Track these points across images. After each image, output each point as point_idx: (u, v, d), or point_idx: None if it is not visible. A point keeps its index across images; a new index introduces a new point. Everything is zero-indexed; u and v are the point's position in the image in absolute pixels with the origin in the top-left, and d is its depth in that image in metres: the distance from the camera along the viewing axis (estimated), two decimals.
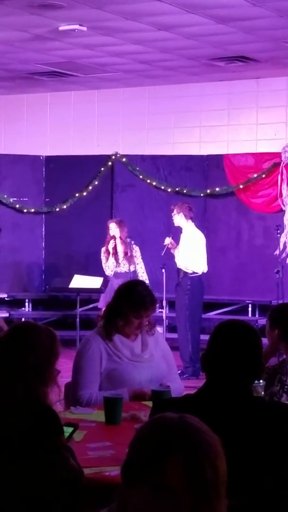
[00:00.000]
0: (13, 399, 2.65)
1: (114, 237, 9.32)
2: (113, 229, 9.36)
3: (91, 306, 10.58)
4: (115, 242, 9.29)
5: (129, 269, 9.26)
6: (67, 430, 2.88)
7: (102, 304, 9.20)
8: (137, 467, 1.45)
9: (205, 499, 1.42)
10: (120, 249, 9.31)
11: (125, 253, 9.30)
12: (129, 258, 9.28)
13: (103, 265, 9.37)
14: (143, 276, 9.20)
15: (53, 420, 2.67)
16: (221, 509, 1.45)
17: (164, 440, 1.45)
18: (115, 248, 9.28)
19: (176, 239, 8.86)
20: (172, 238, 8.85)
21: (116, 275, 9.23)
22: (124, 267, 9.29)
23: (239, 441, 2.24)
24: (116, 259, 9.29)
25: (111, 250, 9.28)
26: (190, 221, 8.83)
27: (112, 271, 9.29)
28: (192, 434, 1.46)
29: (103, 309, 8.90)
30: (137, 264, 9.32)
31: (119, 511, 1.50)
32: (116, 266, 9.30)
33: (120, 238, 9.33)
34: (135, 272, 9.28)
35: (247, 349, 2.43)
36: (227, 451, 1.48)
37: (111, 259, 9.27)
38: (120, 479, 1.50)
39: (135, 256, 9.31)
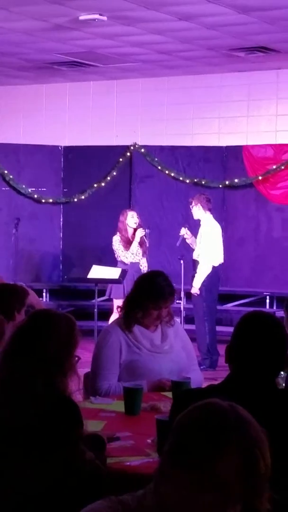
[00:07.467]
0: (32, 390, 2.63)
1: (138, 227, 9.20)
2: (135, 218, 9.25)
3: (106, 297, 10.57)
4: (144, 231, 9.18)
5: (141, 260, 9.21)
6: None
7: (113, 294, 9.11)
8: (184, 452, 1.38)
9: (255, 492, 1.38)
10: (137, 239, 9.24)
11: (140, 244, 9.22)
12: (144, 248, 9.22)
13: (122, 254, 9.17)
14: (143, 269, 9.06)
15: (72, 412, 2.65)
16: (266, 502, 1.41)
17: (221, 430, 1.39)
18: (142, 237, 9.17)
19: (193, 230, 8.82)
20: (187, 228, 8.81)
21: (130, 265, 9.14)
22: (137, 257, 9.22)
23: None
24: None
25: (138, 239, 9.15)
26: (208, 212, 8.79)
27: (133, 259, 9.19)
28: (247, 425, 1.42)
29: (114, 299, 8.95)
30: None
31: (157, 493, 1.43)
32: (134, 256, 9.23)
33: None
34: (144, 262, 9.21)
35: (273, 342, 2.41)
36: None
37: (135, 247, 9.15)
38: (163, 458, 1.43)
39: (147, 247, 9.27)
